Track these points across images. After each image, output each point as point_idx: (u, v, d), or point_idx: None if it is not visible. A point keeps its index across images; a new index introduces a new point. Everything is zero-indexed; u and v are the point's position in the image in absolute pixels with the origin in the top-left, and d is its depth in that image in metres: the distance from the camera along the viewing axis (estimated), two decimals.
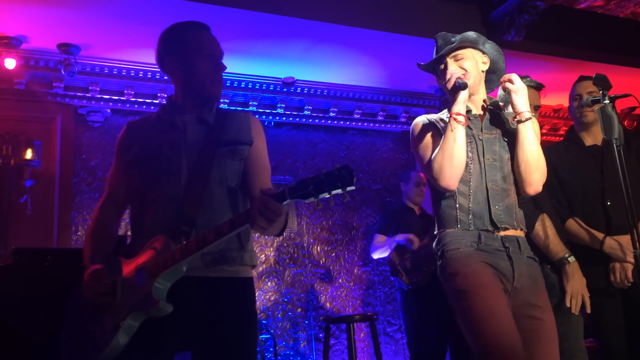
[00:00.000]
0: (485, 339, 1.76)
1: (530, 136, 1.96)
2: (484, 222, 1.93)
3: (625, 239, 2.40)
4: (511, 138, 2.03)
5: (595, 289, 2.47)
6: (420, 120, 2.11)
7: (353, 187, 1.44)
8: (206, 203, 1.68)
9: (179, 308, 1.59)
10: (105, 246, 1.77)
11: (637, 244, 2.02)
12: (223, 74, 1.85)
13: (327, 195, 1.46)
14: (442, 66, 2.07)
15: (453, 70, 1.99)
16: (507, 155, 2.02)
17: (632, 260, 2.37)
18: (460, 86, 1.95)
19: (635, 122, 5.89)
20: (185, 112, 1.81)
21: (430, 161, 1.96)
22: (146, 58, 3.95)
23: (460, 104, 1.95)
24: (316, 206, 1.54)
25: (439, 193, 2.01)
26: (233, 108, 4.51)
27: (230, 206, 1.74)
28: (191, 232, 1.64)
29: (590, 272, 2.48)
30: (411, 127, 2.13)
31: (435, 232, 2.06)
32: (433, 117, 2.11)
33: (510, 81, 1.99)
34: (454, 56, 2.04)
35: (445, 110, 2.09)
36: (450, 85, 1.97)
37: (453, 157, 1.90)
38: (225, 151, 1.76)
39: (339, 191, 1.44)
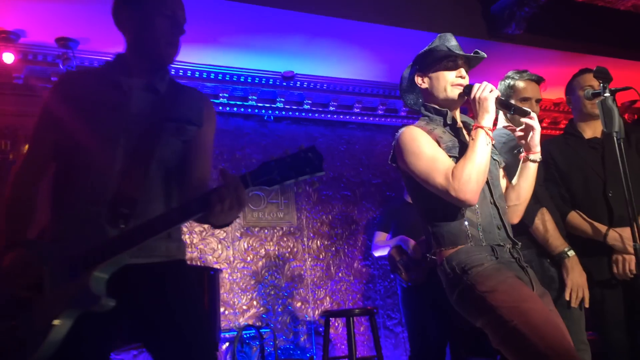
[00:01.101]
0: (554, 350, 1.63)
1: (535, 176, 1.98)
2: (494, 238, 1.86)
3: (628, 231, 2.40)
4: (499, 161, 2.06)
5: (598, 281, 2.47)
6: (415, 130, 1.93)
7: (322, 173, 1.31)
8: (145, 183, 1.51)
9: (117, 298, 1.42)
10: (26, 220, 1.55)
11: (637, 236, 2.02)
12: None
13: (291, 182, 1.32)
14: (459, 68, 1.96)
15: (482, 83, 1.88)
16: (499, 173, 2.03)
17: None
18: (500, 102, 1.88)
19: (636, 116, 5.88)
20: (133, 75, 1.62)
21: (446, 173, 1.80)
22: None
23: (493, 117, 1.84)
24: (282, 194, 1.45)
25: (440, 210, 1.87)
26: (233, 102, 4.50)
27: (164, 190, 1.57)
28: (131, 216, 1.46)
29: (593, 264, 2.48)
30: (402, 138, 1.94)
31: (436, 251, 1.91)
32: (424, 128, 1.95)
33: (533, 119, 1.94)
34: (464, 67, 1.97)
35: (435, 123, 1.97)
36: (488, 94, 1.84)
37: (484, 172, 1.80)
38: (171, 127, 1.58)
39: (307, 177, 1.31)
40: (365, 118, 5.04)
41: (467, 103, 1.96)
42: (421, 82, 2.02)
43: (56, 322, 1.37)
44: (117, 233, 1.43)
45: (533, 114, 1.96)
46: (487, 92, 1.85)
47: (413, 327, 3.80)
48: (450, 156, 1.87)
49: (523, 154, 1.99)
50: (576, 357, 1.64)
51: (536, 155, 1.96)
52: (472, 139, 1.82)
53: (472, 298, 1.78)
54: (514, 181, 2.04)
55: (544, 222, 2.40)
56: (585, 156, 2.55)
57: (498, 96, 1.87)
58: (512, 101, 2.62)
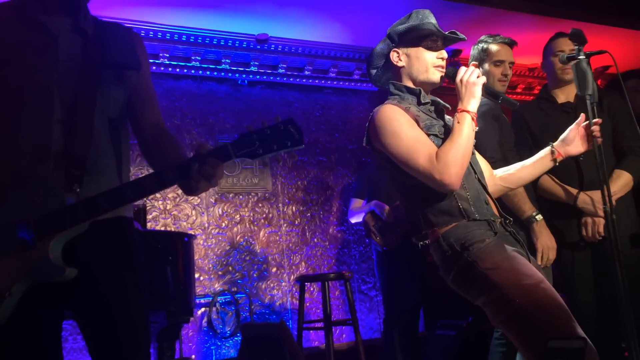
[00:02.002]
0: (561, 330, 1.58)
1: None
2: (484, 212, 1.81)
3: (598, 195, 2.44)
4: None
5: (567, 243, 2.52)
6: (392, 109, 1.84)
7: (303, 146, 1.29)
8: (92, 139, 1.40)
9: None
10: None
11: (607, 199, 2.05)
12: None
13: (272, 154, 1.30)
14: (440, 49, 1.90)
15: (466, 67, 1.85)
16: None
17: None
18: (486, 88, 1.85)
19: (605, 81, 5.93)
20: (53, 13, 1.45)
21: (429, 155, 1.73)
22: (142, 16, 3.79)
23: (478, 103, 1.80)
24: (265, 165, 1.36)
25: (427, 190, 1.78)
26: (205, 66, 4.39)
27: (112, 144, 1.46)
28: (82, 177, 1.36)
29: (562, 227, 2.53)
30: (378, 117, 1.84)
31: (427, 232, 1.83)
32: (400, 106, 1.87)
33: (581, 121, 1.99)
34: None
35: (407, 102, 1.90)
36: (475, 79, 1.80)
37: (469, 157, 1.76)
38: (110, 75, 1.46)
39: (288, 150, 1.29)
40: (341, 83, 4.98)
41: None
42: (397, 59, 1.93)
43: (8, 293, 1.27)
44: (75, 198, 1.33)
45: (582, 116, 1.97)
46: (475, 78, 1.80)
47: (387, 291, 3.85)
48: (429, 134, 1.81)
49: (556, 153, 1.98)
50: (579, 334, 1.59)
51: (564, 159, 1.99)
52: (458, 123, 1.76)
53: (473, 276, 1.71)
54: (524, 165, 2.02)
55: None
56: (558, 120, 2.57)
57: (485, 83, 1.83)
58: (486, 65, 2.62)
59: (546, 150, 2.00)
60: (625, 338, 2.04)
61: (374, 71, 2.04)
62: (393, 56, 1.94)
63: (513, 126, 2.68)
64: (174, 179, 1.31)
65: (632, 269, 2.25)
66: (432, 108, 1.94)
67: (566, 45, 2.60)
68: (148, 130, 1.56)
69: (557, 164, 1.98)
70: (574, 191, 2.52)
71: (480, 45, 2.63)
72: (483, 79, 1.82)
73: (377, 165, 1.95)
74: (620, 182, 2.51)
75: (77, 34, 1.46)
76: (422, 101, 1.91)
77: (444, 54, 1.90)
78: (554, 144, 2.00)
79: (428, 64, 1.88)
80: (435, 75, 1.89)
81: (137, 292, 1.44)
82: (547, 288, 1.65)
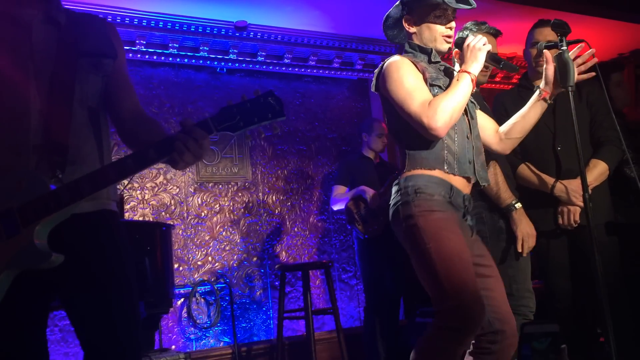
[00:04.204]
0: (454, 287, 1.75)
1: None
2: (465, 169, 1.94)
3: (574, 183, 2.48)
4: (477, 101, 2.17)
5: (544, 231, 2.56)
6: (402, 60, 1.96)
7: (284, 117, 1.33)
8: (72, 127, 1.41)
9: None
10: None
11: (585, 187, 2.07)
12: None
13: (254, 127, 1.32)
14: (450, 21, 2.01)
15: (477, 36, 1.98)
16: (476, 116, 2.10)
17: (581, 203, 2.46)
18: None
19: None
20: (25, 5, 1.44)
21: (423, 101, 1.86)
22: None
23: (480, 68, 1.94)
24: (246, 137, 1.39)
25: (422, 136, 1.92)
26: (183, 53, 4.32)
27: (93, 132, 1.47)
28: (64, 165, 1.37)
29: (539, 215, 2.56)
30: (387, 66, 1.97)
31: (407, 170, 1.96)
32: (410, 59, 1.99)
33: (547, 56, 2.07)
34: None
35: (419, 59, 2.02)
36: (481, 45, 1.94)
37: (460, 110, 1.88)
38: (87, 64, 1.46)
39: (269, 122, 1.31)
40: (321, 71, 4.95)
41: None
42: (409, 27, 2.05)
43: None
44: (58, 183, 1.33)
45: (547, 53, 2.06)
46: (481, 44, 1.94)
47: (368, 279, 3.86)
48: (432, 85, 1.95)
49: (543, 93, 2.07)
50: (476, 301, 1.74)
51: (551, 95, 2.06)
52: (457, 80, 1.90)
53: (405, 214, 1.88)
54: (521, 113, 2.12)
55: (495, 175, 2.44)
56: None
57: (489, 50, 1.95)
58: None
59: (535, 94, 2.10)
60: (601, 323, 2.08)
61: (390, 32, 2.16)
62: (405, 24, 2.06)
63: (493, 113, 2.70)
64: (157, 155, 1.32)
65: (606, 255, 2.30)
66: (442, 67, 2.06)
67: (543, 36, 2.61)
68: (128, 118, 1.56)
69: (550, 101, 2.07)
70: (551, 180, 2.55)
71: (466, 32, 2.63)
72: (488, 47, 1.95)
73: (385, 109, 2.06)
74: (597, 171, 2.55)
75: (50, 25, 1.46)
76: (433, 60, 2.03)
77: (452, 24, 2.01)
78: (539, 86, 2.10)
79: (437, 34, 2.01)
80: (444, 46, 2.02)
81: (125, 277, 1.45)
82: (459, 243, 1.81)
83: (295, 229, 4.73)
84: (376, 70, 2.06)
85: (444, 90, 1.93)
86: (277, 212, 4.68)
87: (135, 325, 1.46)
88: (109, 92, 1.54)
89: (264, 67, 4.71)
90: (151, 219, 4.14)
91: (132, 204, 4.12)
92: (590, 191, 2.04)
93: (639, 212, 3.00)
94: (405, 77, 1.92)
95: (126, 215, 4.00)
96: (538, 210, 2.57)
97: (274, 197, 4.69)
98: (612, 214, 2.69)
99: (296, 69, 4.84)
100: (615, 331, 1.90)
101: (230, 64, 4.57)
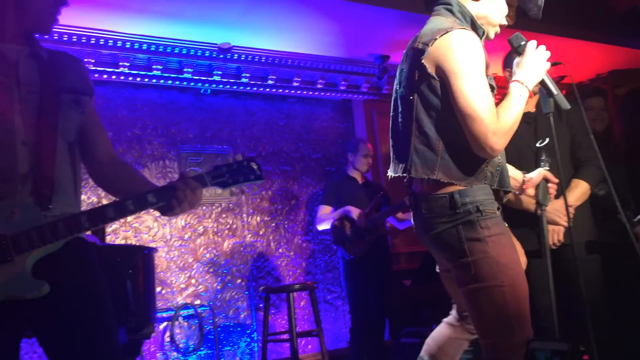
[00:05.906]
0: (519, 321, 1.63)
1: None
2: (507, 182, 1.76)
3: (558, 203, 2.50)
4: None
5: (527, 251, 2.57)
6: (475, 38, 1.63)
7: (262, 180, 1.57)
8: (55, 160, 1.46)
9: None
10: None
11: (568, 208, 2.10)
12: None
13: (240, 185, 1.56)
14: (513, 6, 1.81)
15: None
16: None
17: (564, 223, 2.48)
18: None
19: (564, 91, 6.11)
20: (10, 41, 1.50)
21: (492, 114, 1.58)
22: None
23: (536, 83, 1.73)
24: (231, 195, 1.55)
25: (465, 138, 1.62)
26: (167, 75, 4.32)
27: (71, 166, 1.53)
28: (52, 197, 1.42)
29: (523, 234, 2.58)
30: (457, 40, 1.59)
31: (430, 178, 1.66)
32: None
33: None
34: None
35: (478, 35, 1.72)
36: (545, 60, 1.74)
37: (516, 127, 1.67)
38: (68, 99, 1.53)
39: (250, 183, 1.56)
40: (305, 92, 4.98)
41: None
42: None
43: None
44: (48, 214, 1.39)
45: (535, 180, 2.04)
46: (545, 60, 1.73)
47: (354, 299, 3.85)
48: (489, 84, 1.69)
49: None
50: (530, 336, 1.65)
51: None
52: (520, 96, 1.67)
53: (470, 238, 1.62)
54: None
55: None
56: (520, 130, 2.61)
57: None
58: None
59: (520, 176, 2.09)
60: (584, 341, 2.09)
61: None
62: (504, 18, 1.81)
63: None
64: (157, 200, 1.45)
65: (587, 273, 2.35)
66: None
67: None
68: (105, 161, 1.64)
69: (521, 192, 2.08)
70: (534, 200, 2.57)
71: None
72: (548, 65, 1.75)
73: (426, 84, 1.66)
74: (578, 191, 2.58)
75: (34, 59, 1.53)
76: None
77: (512, 13, 1.83)
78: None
79: (504, 12, 1.79)
80: (496, 29, 1.81)
81: (100, 303, 1.48)
82: (524, 280, 1.69)
83: (280, 250, 4.70)
84: (431, 36, 1.65)
85: (494, 93, 1.70)
86: (261, 233, 4.65)
87: (113, 351, 1.47)
88: (85, 130, 1.60)
89: (248, 88, 4.72)
90: (133, 242, 4.08)
91: (114, 226, 4.07)
92: (572, 211, 2.06)
93: (619, 231, 3.03)
94: (478, 65, 1.59)
95: (108, 238, 3.94)
96: (521, 230, 2.59)
97: (258, 218, 4.66)
98: (594, 233, 2.71)
99: (280, 90, 4.86)
100: (598, 348, 1.91)
101: (214, 85, 4.58)
